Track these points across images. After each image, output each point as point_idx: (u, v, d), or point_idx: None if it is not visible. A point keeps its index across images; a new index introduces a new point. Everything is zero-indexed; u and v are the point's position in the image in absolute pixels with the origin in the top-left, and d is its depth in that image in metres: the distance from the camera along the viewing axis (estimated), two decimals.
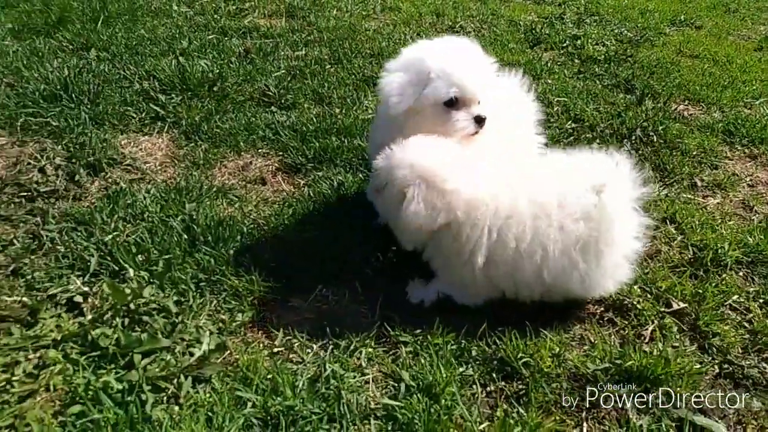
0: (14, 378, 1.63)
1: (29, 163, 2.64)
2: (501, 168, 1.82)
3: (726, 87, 3.84)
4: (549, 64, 4.17)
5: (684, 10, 6.01)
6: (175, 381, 1.60)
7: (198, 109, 3.22)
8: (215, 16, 5.00)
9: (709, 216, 2.45)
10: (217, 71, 3.63)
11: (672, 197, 2.57)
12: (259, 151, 2.91)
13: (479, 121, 1.89)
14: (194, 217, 2.24)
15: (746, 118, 3.31)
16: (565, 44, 4.65)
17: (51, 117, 2.97)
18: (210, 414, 1.51)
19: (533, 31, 4.94)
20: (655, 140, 3.00)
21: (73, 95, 3.20)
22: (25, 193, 2.46)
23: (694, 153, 2.94)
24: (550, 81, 3.88)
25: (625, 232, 1.77)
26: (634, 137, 3.02)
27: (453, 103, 1.88)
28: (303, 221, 2.28)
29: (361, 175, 2.62)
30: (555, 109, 3.38)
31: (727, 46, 4.82)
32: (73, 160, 2.66)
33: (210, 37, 4.39)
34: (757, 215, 2.51)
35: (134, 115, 3.14)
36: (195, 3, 5.39)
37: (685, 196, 2.60)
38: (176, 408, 1.54)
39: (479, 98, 1.90)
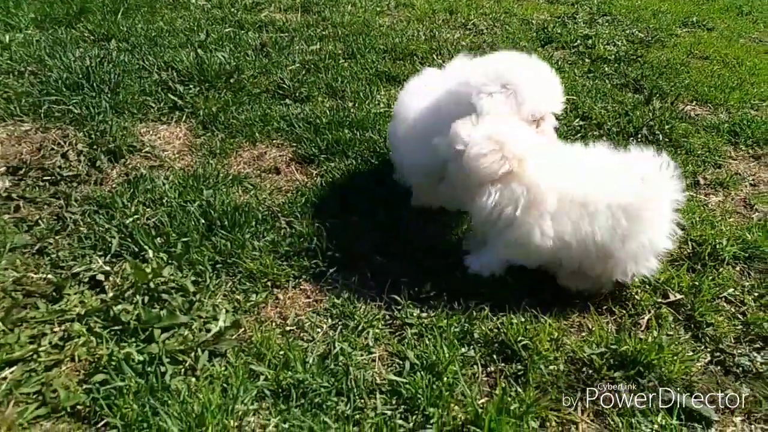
0: (41, 348, 1.73)
1: (52, 149, 2.74)
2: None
3: (734, 89, 3.88)
4: (559, 63, 4.23)
5: (697, 12, 6.03)
6: (193, 354, 1.70)
7: (215, 100, 3.31)
8: (232, 9, 5.09)
9: (709, 213, 2.51)
10: (234, 64, 3.72)
11: None
12: (274, 141, 3.00)
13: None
14: (211, 202, 2.33)
15: (752, 120, 3.36)
16: (576, 43, 4.70)
17: (73, 105, 3.07)
18: (225, 385, 1.60)
19: (545, 30, 4.99)
20: (660, 139, 3.06)
21: (94, 84, 3.31)
22: (49, 177, 2.56)
23: (699, 152, 3.00)
24: (560, 80, 3.94)
25: (663, 225, 1.87)
26: (640, 135, 3.08)
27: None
28: (315, 209, 2.37)
29: (372, 167, 2.70)
30: (564, 106, 3.44)
31: (738, 48, 4.84)
32: (95, 147, 2.76)
33: (227, 30, 4.49)
34: (757, 213, 2.57)
35: (153, 105, 3.24)
36: None
37: (687, 193, 2.65)
38: (193, 379, 1.63)
39: None
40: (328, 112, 3.25)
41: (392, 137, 2.44)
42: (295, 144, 2.96)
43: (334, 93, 3.56)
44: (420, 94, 2.27)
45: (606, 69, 4.14)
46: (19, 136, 2.82)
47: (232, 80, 3.56)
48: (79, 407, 1.54)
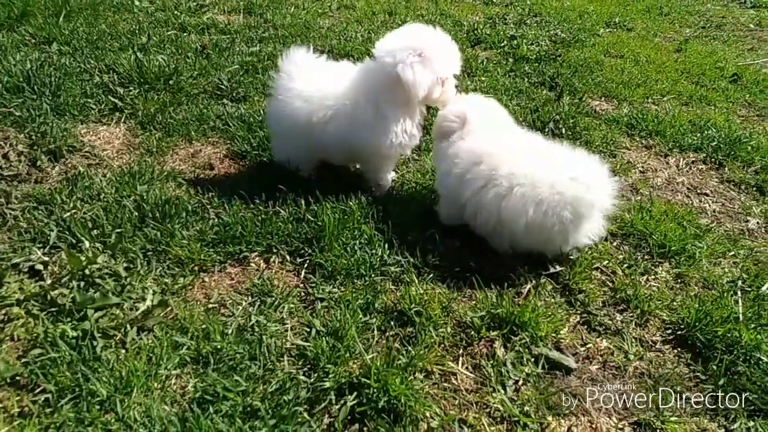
0: None
1: None
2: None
3: (639, 85, 4.26)
4: (485, 63, 4.53)
5: (620, 13, 6.44)
6: (122, 330, 1.91)
7: (154, 101, 3.49)
8: (175, 12, 5.23)
9: None
10: (174, 66, 3.89)
11: None
12: (210, 140, 3.21)
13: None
14: (144, 197, 2.53)
15: (647, 113, 3.72)
16: (502, 44, 5.02)
17: (14, 107, 3.20)
18: (151, 355, 1.82)
19: (475, 32, 5.30)
20: (563, 132, 3.38)
21: (35, 87, 3.44)
22: None
23: (597, 143, 3.34)
24: (483, 79, 4.25)
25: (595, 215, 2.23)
26: (546, 130, 3.39)
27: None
28: (243, 201, 2.58)
29: None
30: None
31: (651, 47, 5.25)
32: (35, 147, 2.90)
33: (169, 33, 4.64)
34: (640, 197, 2.91)
35: (94, 107, 3.40)
36: None
37: None
38: (123, 351, 1.84)
39: None
40: (262, 110, 3.45)
41: (295, 120, 2.64)
42: (229, 141, 3.17)
43: (270, 93, 3.77)
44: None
45: (526, 68, 4.47)
46: None
47: (171, 82, 3.73)
48: (17, 378, 1.74)
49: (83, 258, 2.13)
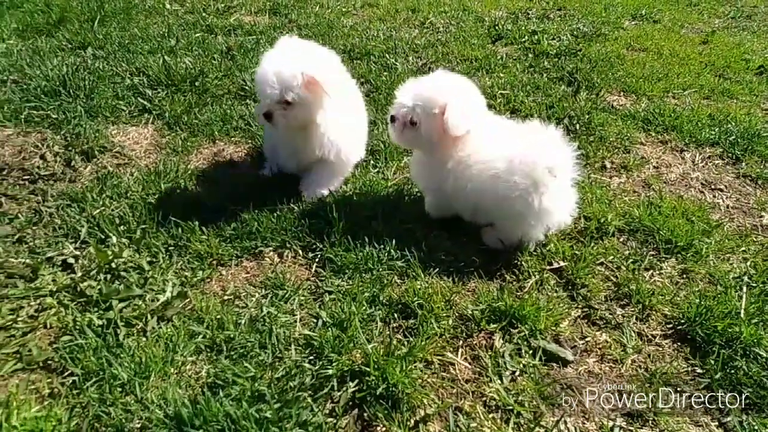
0: (19, 318, 2.08)
1: (32, 151, 3.08)
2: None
3: (660, 79, 4.23)
4: (503, 59, 4.56)
5: (647, 4, 6.36)
6: (144, 320, 2.05)
7: (180, 102, 3.65)
8: (203, 14, 5.41)
9: (608, 193, 2.86)
10: (200, 68, 4.05)
11: (582, 179, 2.98)
12: (232, 139, 3.35)
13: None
14: (169, 194, 2.68)
15: (665, 108, 3.71)
16: (523, 40, 5.04)
17: (51, 110, 3.41)
18: (169, 342, 1.96)
19: (496, 27, 5.32)
20: (578, 128, 3.41)
21: (71, 90, 3.64)
22: (28, 176, 2.90)
23: (612, 139, 3.35)
24: (501, 75, 4.28)
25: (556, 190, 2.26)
26: (561, 125, 3.42)
27: None
28: (261, 198, 2.70)
29: None
30: (498, 101, 3.79)
31: (676, 40, 5.18)
32: (70, 148, 3.10)
33: (197, 35, 4.81)
34: (652, 193, 2.92)
35: (124, 108, 3.58)
36: (186, 1, 5.81)
37: (594, 176, 3.02)
38: (143, 339, 1.99)
39: None
40: None
41: None
42: (251, 140, 3.30)
43: None
44: None
45: (546, 64, 4.48)
46: (1, 140, 3.15)
47: (196, 83, 3.90)
48: (49, 362, 1.90)
49: (110, 252, 2.29)
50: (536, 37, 5.04)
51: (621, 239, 2.56)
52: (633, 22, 5.79)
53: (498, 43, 5.02)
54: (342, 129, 2.74)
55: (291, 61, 2.46)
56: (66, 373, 1.85)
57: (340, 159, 2.78)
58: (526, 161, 2.17)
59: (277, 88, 2.43)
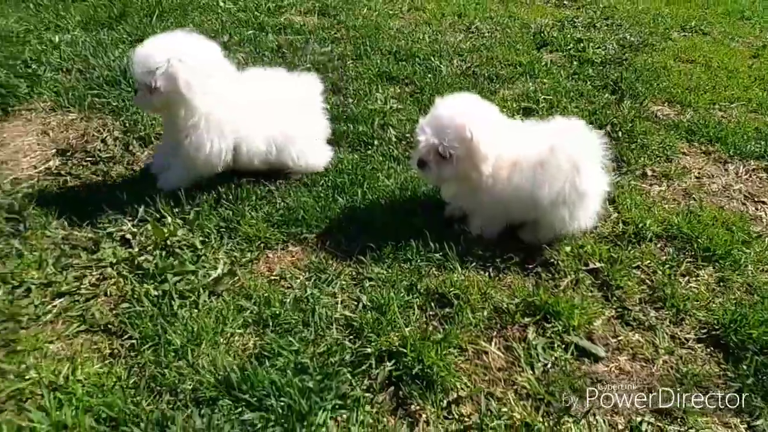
0: (82, 286, 2.24)
1: (94, 135, 3.27)
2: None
3: (707, 91, 4.20)
4: (548, 65, 4.59)
5: (697, 16, 6.27)
6: (196, 293, 2.19)
7: None
8: (255, 12, 5.59)
9: (648, 200, 2.89)
10: (252, 64, 4.21)
11: (622, 184, 3.01)
12: None
13: None
14: (220, 181, 2.83)
15: (711, 119, 3.69)
16: (569, 47, 5.05)
17: (112, 98, 3.60)
18: (218, 315, 2.09)
19: (542, 34, 5.35)
20: (620, 135, 3.43)
21: (130, 81, 3.83)
22: (91, 158, 3.08)
23: (654, 148, 3.36)
24: (545, 81, 4.32)
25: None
26: (603, 132, 3.45)
27: None
28: (306, 189, 2.83)
29: (357, 155, 3.16)
30: (541, 105, 3.83)
31: (725, 53, 5.12)
32: (128, 134, 3.28)
33: (249, 32, 4.98)
34: (692, 202, 2.93)
35: None
36: (238, 0, 6.01)
37: (634, 183, 3.04)
38: (195, 310, 2.12)
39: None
40: (329, 107, 3.70)
41: None
42: None
43: (338, 90, 4.02)
44: None
45: (590, 71, 4.49)
46: (66, 124, 3.36)
47: None
48: (109, 326, 2.05)
49: (166, 230, 2.44)
50: (582, 45, 5.05)
51: (658, 245, 2.59)
52: (682, 34, 5.73)
53: (543, 50, 5.05)
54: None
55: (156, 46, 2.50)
56: (125, 336, 2.00)
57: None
58: (563, 145, 2.25)
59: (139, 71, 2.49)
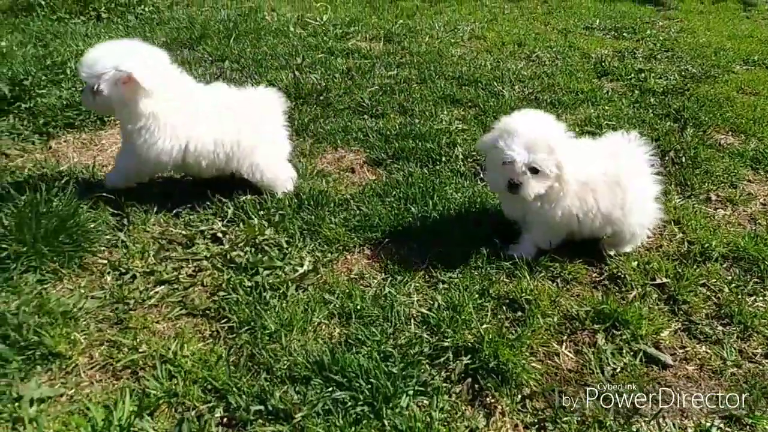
0: (180, 276, 2.46)
1: None
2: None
3: None
4: (609, 93, 4.70)
5: (760, 50, 6.26)
6: (284, 286, 2.38)
7: (307, 113, 4.07)
8: (324, 38, 5.92)
9: (712, 222, 2.94)
10: (324, 84, 4.48)
11: (686, 207, 3.07)
12: (352, 148, 3.70)
13: None
14: (301, 188, 3.04)
15: None
16: (629, 77, 5.15)
17: None
18: (306, 306, 2.27)
19: (602, 64, 5.47)
20: (683, 161, 3.50)
21: None
22: None
23: (718, 173, 3.41)
24: (607, 108, 4.43)
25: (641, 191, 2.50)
26: (666, 158, 3.52)
27: None
28: (379, 199, 3.01)
29: (426, 170, 3.33)
30: (603, 131, 3.94)
31: None
32: None
33: (319, 56, 5.29)
34: (758, 227, 2.97)
35: None
36: (308, 26, 6.36)
37: (698, 206, 3.10)
38: (284, 301, 2.31)
39: None
40: (397, 126, 3.91)
41: None
42: (368, 150, 3.64)
43: (404, 111, 4.23)
44: None
45: (652, 100, 4.58)
46: None
47: (321, 98, 4.32)
48: (207, 311, 2.26)
49: (256, 229, 2.66)
50: (643, 75, 5.14)
51: (724, 265, 2.65)
52: (744, 67, 5.74)
53: (603, 79, 5.16)
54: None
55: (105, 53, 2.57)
56: (223, 321, 2.20)
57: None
58: (625, 160, 2.46)
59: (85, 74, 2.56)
